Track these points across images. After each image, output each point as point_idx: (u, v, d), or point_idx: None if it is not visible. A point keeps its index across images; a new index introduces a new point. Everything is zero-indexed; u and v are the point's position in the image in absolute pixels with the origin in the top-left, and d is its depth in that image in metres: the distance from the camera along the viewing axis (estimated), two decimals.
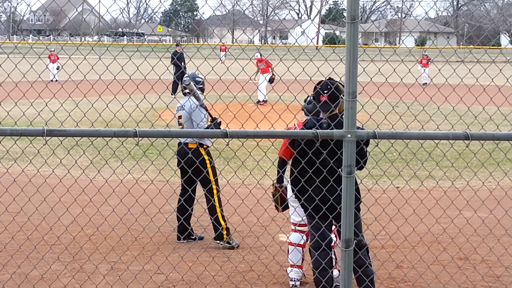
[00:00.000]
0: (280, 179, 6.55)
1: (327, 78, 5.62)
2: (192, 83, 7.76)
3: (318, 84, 5.58)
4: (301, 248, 6.60)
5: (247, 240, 8.13)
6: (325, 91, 5.51)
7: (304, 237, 6.60)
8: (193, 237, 8.04)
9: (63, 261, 7.07)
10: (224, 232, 7.72)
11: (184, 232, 7.80)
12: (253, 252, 7.63)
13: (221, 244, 7.78)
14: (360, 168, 5.57)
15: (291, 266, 6.58)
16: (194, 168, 7.53)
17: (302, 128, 5.61)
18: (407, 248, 7.59)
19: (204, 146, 7.82)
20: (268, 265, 6.95)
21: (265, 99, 23.61)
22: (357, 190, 5.54)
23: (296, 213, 6.54)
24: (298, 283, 6.55)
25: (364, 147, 5.48)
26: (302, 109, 6.34)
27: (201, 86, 8.05)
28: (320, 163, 5.33)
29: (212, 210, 7.78)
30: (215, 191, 7.82)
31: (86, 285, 6.36)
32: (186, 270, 6.76)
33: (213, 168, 7.86)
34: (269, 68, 24.68)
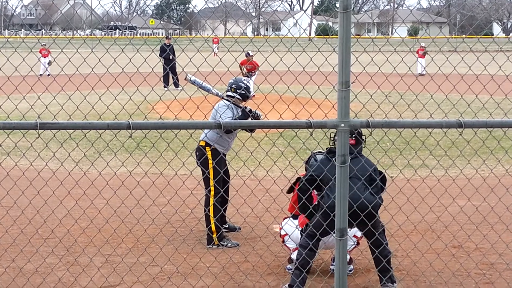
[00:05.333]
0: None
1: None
2: (189, 76, 7.61)
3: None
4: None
5: (241, 231, 8.14)
6: (353, 135, 6.06)
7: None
8: (224, 243, 7.58)
9: (57, 254, 7.06)
10: (214, 235, 7.55)
11: (216, 232, 7.52)
12: (248, 243, 7.63)
13: (214, 247, 7.61)
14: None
15: (295, 249, 6.54)
16: (200, 164, 7.54)
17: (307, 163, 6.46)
18: (401, 236, 7.61)
19: (212, 147, 7.53)
20: (263, 255, 6.96)
21: (253, 93, 23.30)
22: (383, 177, 6.13)
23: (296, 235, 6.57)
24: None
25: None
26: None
27: (243, 92, 7.69)
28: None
29: (207, 219, 7.56)
30: (211, 198, 7.50)
31: (81, 278, 6.36)
32: (181, 261, 6.77)
33: (214, 169, 7.49)
34: (256, 68, 24.36)
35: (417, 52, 35.14)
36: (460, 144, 12.38)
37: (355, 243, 6.54)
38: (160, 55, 25.09)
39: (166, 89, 26.03)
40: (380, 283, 6.10)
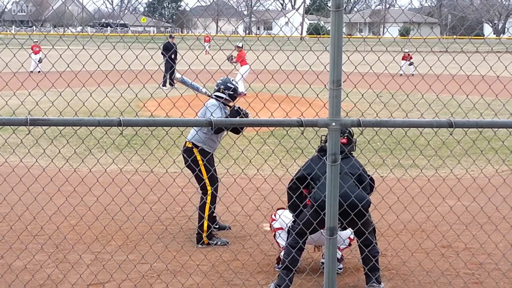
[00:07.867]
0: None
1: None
2: (178, 75, 7.62)
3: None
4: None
5: (231, 230, 8.13)
6: (345, 134, 6.17)
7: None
8: (213, 242, 7.57)
9: (46, 251, 7.04)
10: (204, 234, 7.54)
11: (205, 232, 7.52)
12: (238, 241, 7.63)
13: (204, 246, 7.60)
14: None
15: (284, 249, 6.54)
16: (189, 166, 7.51)
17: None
18: (390, 236, 7.63)
19: (200, 148, 7.52)
20: (253, 254, 6.96)
21: (244, 92, 23.32)
22: (371, 179, 6.27)
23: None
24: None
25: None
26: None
27: (231, 93, 7.67)
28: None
29: (199, 217, 7.54)
30: (209, 197, 7.49)
31: (70, 275, 6.34)
32: (171, 259, 6.76)
33: (206, 167, 7.47)
34: (241, 57, 24.66)
35: (403, 58, 35.41)
36: (451, 144, 12.42)
37: (348, 244, 6.55)
38: (163, 54, 24.82)
39: (166, 88, 26.01)
40: (367, 284, 6.11)
